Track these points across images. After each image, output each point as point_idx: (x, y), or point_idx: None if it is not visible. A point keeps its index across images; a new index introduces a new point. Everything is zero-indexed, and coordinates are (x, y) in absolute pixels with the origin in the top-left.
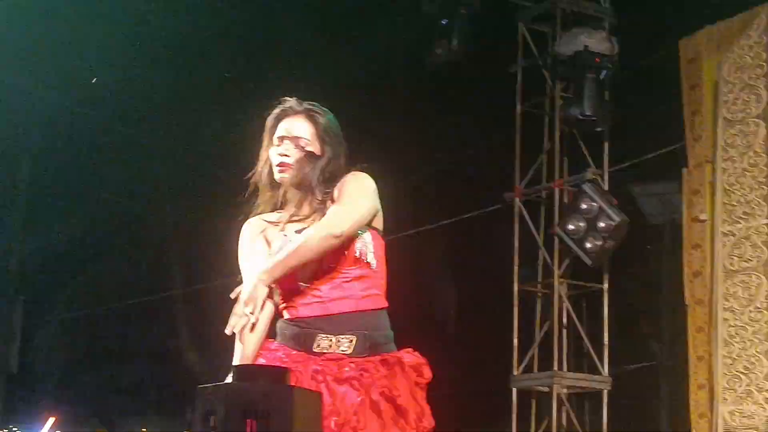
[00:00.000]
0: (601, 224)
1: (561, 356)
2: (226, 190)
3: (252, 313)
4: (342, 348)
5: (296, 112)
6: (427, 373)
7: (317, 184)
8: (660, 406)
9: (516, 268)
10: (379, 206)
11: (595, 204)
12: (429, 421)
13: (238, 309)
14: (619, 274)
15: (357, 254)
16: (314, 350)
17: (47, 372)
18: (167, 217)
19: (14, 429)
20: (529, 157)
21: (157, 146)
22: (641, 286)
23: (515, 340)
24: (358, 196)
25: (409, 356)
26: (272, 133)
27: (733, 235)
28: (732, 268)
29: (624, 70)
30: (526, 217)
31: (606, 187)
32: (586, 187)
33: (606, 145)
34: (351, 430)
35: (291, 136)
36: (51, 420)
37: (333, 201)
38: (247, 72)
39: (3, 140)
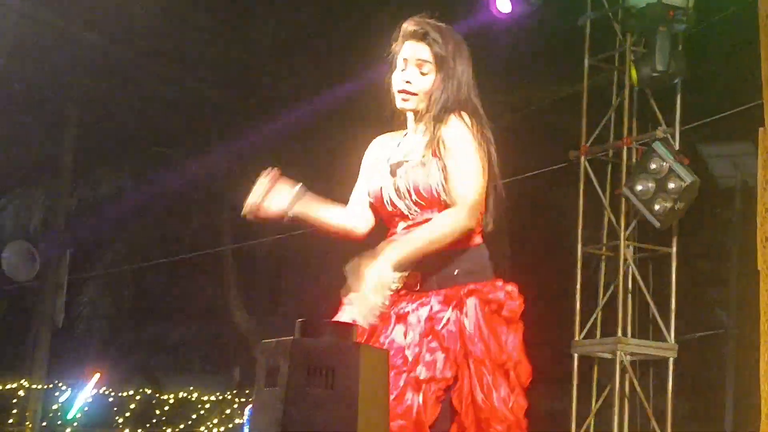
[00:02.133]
0: (671, 185)
1: (625, 322)
2: (281, 144)
3: (384, 303)
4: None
5: (417, 35)
6: (510, 306)
7: (431, 120)
8: (726, 374)
9: (580, 229)
10: (481, 152)
11: (665, 163)
12: (500, 357)
13: (367, 300)
14: (687, 238)
15: (440, 197)
16: None
17: (93, 327)
18: (219, 171)
19: (59, 383)
20: (597, 114)
21: (214, 96)
22: (710, 251)
23: (578, 304)
24: (468, 169)
25: (488, 288)
26: (397, 55)
27: None
28: None
29: (698, 24)
30: (592, 176)
31: (677, 146)
32: (656, 146)
33: (678, 103)
34: (395, 368)
35: (415, 60)
36: (96, 376)
37: (438, 146)
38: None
39: (49, 88)
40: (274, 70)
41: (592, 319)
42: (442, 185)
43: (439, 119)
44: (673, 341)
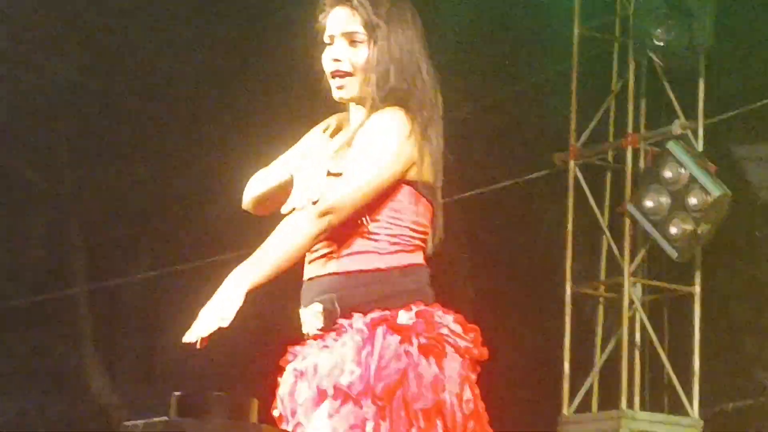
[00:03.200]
0: (693, 200)
1: (632, 389)
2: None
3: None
4: (315, 323)
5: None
6: (428, 334)
7: (377, 104)
8: None
9: (569, 260)
10: (412, 152)
11: (684, 171)
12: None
13: (207, 312)
14: (716, 273)
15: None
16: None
17: None
18: (70, 186)
19: None
20: (592, 103)
21: (55, 85)
22: (746, 291)
23: (566, 365)
24: (366, 156)
25: (403, 315)
26: (324, 32)
27: None
28: None
29: None
30: (585, 188)
31: (700, 147)
32: (672, 147)
33: (701, 87)
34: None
35: (340, 32)
36: None
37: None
38: None
39: None
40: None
41: (586, 385)
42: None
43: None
44: (697, 415)
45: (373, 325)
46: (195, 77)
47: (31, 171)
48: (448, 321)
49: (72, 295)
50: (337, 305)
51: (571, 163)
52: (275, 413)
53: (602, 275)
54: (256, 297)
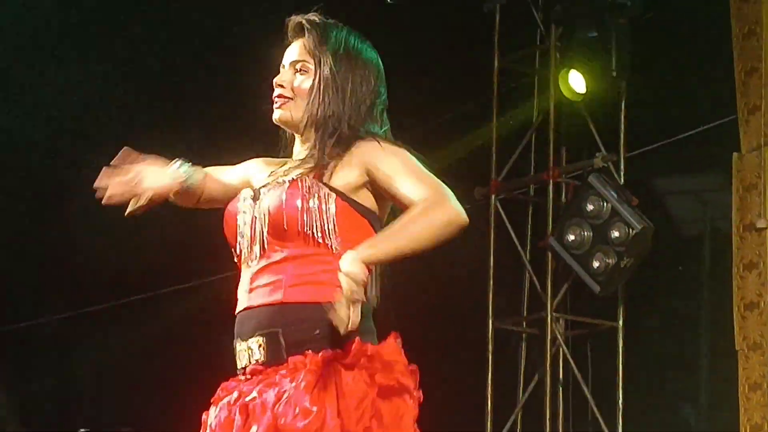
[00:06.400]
0: (615, 234)
1: (555, 425)
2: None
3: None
4: (254, 356)
5: (296, 32)
6: (398, 372)
7: (318, 130)
8: None
9: (491, 296)
10: None
11: (606, 204)
12: None
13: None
14: (639, 307)
15: (304, 228)
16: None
17: None
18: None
19: None
20: (512, 137)
21: None
22: (670, 325)
23: (489, 401)
24: (413, 168)
25: (356, 353)
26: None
27: None
28: None
29: (649, 10)
30: (506, 222)
31: (622, 180)
32: (594, 180)
33: (622, 120)
34: None
35: (289, 62)
36: None
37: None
38: None
39: None
40: None
41: (510, 422)
42: (321, 222)
43: (327, 138)
44: None
45: (325, 364)
46: (121, 113)
47: None
48: (398, 360)
49: None
50: (282, 339)
51: (492, 198)
52: None
53: (525, 311)
54: (189, 331)
